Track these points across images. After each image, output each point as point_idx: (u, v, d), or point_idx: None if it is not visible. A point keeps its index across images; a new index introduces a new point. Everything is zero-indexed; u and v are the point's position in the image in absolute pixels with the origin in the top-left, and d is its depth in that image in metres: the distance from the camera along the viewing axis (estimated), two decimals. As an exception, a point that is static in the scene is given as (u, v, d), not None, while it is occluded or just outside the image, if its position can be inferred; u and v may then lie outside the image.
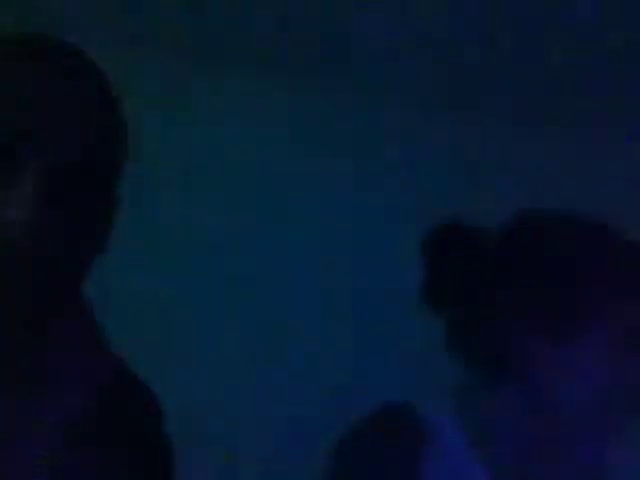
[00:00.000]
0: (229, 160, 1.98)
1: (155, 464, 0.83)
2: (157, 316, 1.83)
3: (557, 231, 1.03)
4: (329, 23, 1.83)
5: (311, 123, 2.01)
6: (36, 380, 0.75)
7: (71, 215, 0.70)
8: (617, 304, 0.97)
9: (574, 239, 1.01)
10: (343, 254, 1.97)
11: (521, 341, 0.97)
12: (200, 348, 1.89)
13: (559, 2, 1.70)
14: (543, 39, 1.81)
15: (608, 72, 1.87)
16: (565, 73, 1.89)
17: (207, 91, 1.96)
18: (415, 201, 1.93)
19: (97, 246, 0.76)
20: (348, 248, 1.98)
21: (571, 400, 0.95)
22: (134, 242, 1.61)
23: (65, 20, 1.69)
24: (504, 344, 0.98)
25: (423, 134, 2.01)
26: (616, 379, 0.95)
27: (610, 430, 0.99)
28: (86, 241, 0.72)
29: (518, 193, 1.57)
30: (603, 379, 0.94)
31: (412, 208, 1.85)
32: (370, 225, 1.99)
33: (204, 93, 1.96)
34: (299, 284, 1.96)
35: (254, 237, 1.96)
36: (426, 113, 1.99)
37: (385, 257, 1.92)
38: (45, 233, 0.67)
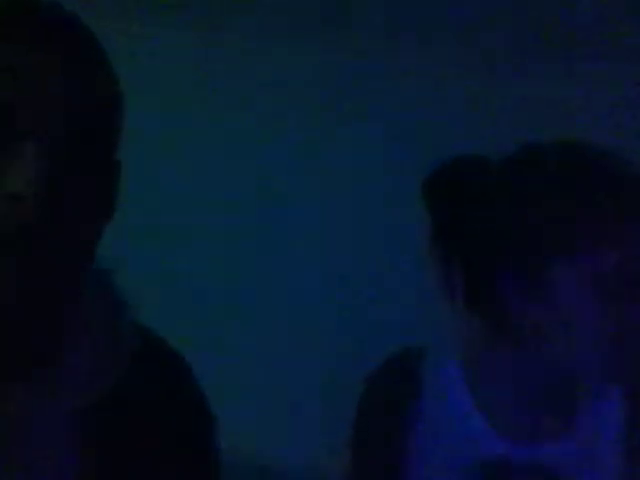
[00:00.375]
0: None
1: (189, 436, 0.82)
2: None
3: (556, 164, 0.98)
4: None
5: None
6: (55, 360, 0.75)
7: (74, 182, 0.69)
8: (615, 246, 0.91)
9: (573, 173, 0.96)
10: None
11: (518, 289, 0.95)
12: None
13: None
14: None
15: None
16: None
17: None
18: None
19: (104, 213, 0.75)
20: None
21: (569, 351, 0.95)
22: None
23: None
24: (503, 294, 0.97)
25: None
26: (615, 327, 0.93)
27: (609, 381, 1.00)
28: (91, 208, 0.72)
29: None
30: (602, 328, 0.92)
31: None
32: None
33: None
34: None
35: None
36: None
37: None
38: (51, 202, 0.66)
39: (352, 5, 1.93)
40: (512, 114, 1.99)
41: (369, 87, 2.07)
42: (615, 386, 1.01)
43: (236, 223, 2.05)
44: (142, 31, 1.94)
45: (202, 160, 2.08)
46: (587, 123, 1.92)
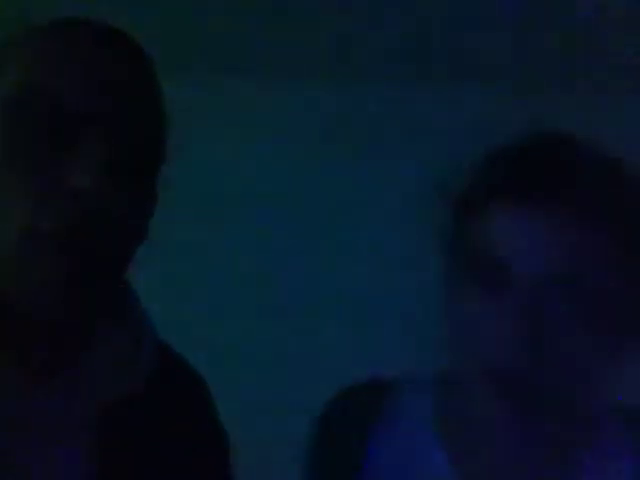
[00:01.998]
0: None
1: (205, 448, 0.83)
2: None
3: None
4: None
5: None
6: (77, 361, 0.76)
7: (128, 191, 0.71)
8: None
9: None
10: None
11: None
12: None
13: None
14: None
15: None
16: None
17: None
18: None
19: (139, 235, 0.77)
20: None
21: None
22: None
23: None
24: None
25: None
26: None
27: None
28: (139, 221, 0.75)
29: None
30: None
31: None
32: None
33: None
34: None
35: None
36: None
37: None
38: (108, 203, 0.69)
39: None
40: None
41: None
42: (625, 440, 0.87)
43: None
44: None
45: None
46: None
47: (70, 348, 0.75)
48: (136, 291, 0.83)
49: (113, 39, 0.73)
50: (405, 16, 1.83)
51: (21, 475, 0.71)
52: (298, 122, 2.09)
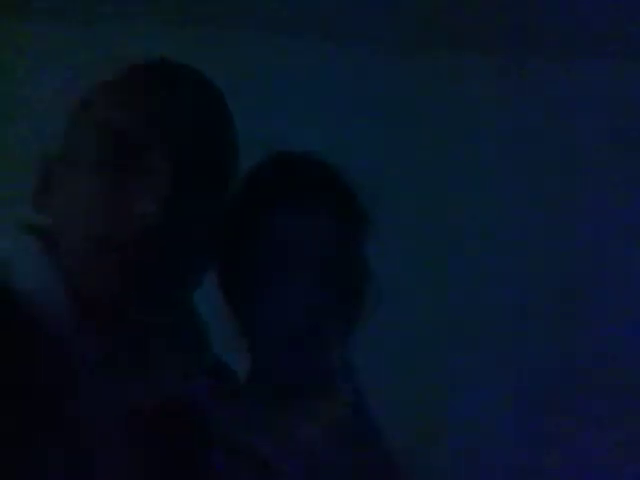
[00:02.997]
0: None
1: None
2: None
3: None
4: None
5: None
6: (144, 363, 0.83)
7: (193, 215, 0.81)
8: None
9: None
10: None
11: None
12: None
13: None
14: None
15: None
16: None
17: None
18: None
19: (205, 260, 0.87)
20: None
21: None
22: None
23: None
24: None
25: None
26: None
27: None
28: (204, 239, 0.84)
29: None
30: None
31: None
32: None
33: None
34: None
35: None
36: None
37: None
38: (175, 225, 0.78)
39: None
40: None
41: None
42: None
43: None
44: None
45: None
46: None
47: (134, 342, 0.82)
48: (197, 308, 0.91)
49: (184, 78, 0.85)
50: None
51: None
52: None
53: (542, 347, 2.00)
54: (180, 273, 0.82)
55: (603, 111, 2.09)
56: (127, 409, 0.80)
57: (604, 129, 2.10)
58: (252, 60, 2.00)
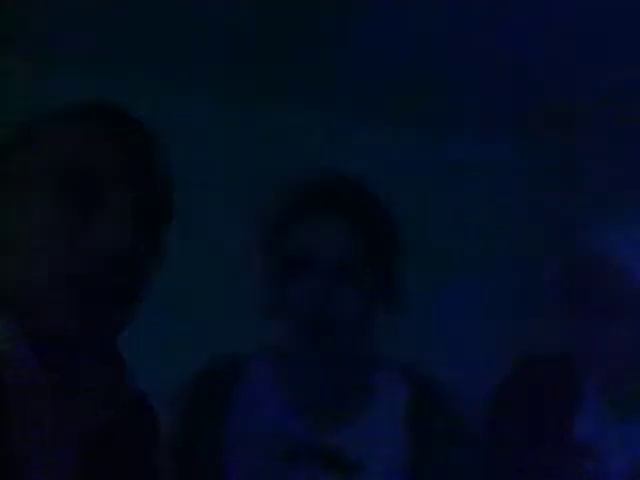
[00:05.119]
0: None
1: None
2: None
3: None
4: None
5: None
6: (72, 387, 0.86)
7: (145, 241, 0.86)
8: None
9: None
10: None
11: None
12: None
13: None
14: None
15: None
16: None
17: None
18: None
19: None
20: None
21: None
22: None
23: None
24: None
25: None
26: None
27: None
28: (152, 264, 0.89)
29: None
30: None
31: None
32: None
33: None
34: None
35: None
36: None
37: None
38: (130, 252, 0.82)
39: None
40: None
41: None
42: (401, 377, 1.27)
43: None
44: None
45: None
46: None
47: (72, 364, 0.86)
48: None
49: (124, 120, 0.90)
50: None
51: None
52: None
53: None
54: (129, 306, 0.87)
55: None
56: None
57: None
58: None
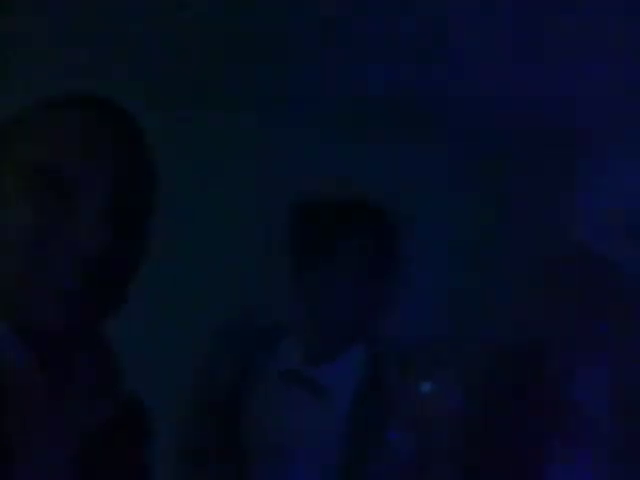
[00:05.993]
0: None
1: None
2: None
3: None
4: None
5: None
6: (69, 388, 0.86)
7: (125, 240, 0.83)
8: None
9: None
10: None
11: None
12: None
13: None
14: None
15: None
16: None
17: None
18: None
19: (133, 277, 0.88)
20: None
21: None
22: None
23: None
24: None
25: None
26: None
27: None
28: (130, 272, 0.87)
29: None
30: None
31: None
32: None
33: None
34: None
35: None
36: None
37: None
38: (107, 253, 0.80)
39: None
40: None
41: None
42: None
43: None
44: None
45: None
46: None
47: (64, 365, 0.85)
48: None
49: (108, 114, 0.86)
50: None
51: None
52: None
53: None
54: (111, 303, 0.85)
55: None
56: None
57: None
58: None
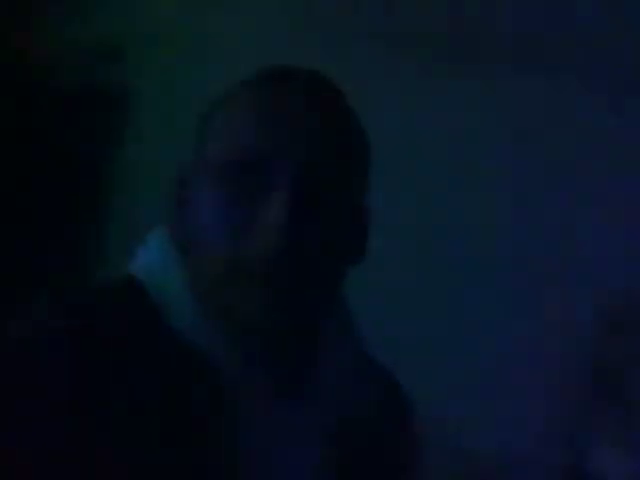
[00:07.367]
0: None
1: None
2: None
3: None
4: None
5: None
6: (308, 382, 0.81)
7: (321, 223, 0.76)
8: None
9: None
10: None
11: None
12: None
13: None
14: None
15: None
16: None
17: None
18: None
19: (350, 252, 0.82)
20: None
21: None
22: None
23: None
24: None
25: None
26: None
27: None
28: (338, 246, 0.78)
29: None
30: None
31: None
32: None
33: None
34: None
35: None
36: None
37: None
38: (300, 237, 0.73)
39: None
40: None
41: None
42: None
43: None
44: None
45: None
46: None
47: (298, 365, 0.81)
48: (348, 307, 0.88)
49: (310, 88, 0.79)
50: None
51: None
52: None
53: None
54: (319, 284, 0.77)
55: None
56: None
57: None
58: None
